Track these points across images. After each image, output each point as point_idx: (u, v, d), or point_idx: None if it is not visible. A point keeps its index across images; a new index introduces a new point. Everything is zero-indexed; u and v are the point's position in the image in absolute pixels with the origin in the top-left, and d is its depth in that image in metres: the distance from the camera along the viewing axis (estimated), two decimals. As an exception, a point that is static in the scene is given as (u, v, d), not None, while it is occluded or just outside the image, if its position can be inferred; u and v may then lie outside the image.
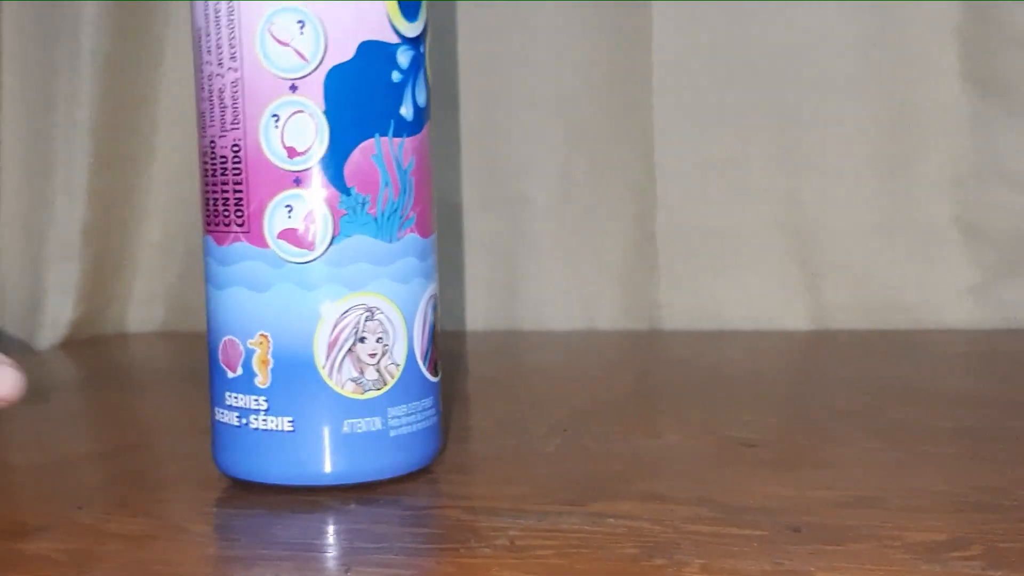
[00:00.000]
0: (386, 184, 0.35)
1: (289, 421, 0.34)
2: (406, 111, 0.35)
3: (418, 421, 0.36)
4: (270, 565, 0.30)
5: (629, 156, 0.73)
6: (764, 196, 0.71)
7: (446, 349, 0.71)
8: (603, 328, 0.74)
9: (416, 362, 0.36)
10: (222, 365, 0.35)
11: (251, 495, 0.35)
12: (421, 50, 0.35)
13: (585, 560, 0.29)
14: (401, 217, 0.35)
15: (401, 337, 0.35)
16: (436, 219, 0.37)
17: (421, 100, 0.35)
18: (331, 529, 0.33)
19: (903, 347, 0.64)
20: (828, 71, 0.69)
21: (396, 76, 0.35)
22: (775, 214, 0.71)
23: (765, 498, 0.34)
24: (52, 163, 0.74)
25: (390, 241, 0.35)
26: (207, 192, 0.35)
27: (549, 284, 0.75)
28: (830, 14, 0.69)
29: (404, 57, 0.35)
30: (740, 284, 0.72)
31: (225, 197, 0.34)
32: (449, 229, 0.76)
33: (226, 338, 0.34)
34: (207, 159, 0.34)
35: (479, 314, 0.76)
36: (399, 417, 0.36)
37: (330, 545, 0.31)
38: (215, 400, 0.36)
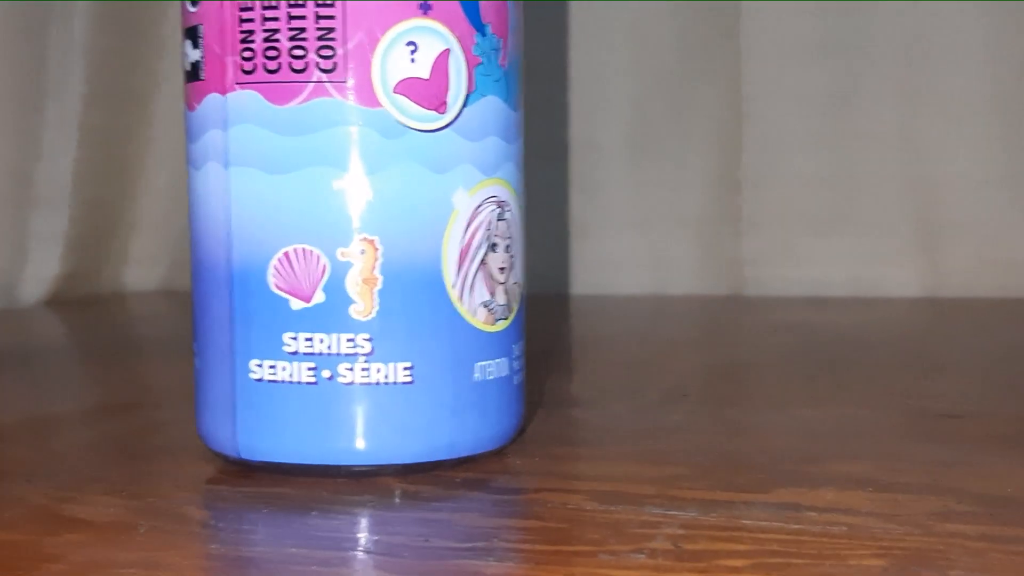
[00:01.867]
0: (514, 28, 0.24)
1: (406, 368, 0.23)
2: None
3: (524, 366, 0.26)
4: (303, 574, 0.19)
5: (711, 92, 0.64)
6: (872, 139, 0.62)
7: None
8: (675, 293, 0.64)
9: (524, 283, 0.25)
10: (277, 292, 0.23)
11: (275, 474, 0.24)
12: None
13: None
14: (520, 77, 0.25)
15: (521, 246, 0.25)
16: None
17: None
18: (388, 522, 0.22)
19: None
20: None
21: None
22: (884, 160, 0.61)
23: (1019, 486, 0.24)
24: (41, 93, 0.64)
25: (515, 109, 0.24)
26: (248, 22, 0.23)
27: (615, 242, 0.66)
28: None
29: None
30: (840, 242, 0.62)
31: (297, 28, 0.22)
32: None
33: (291, 248, 0.23)
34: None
35: (540, 275, 0.66)
36: (519, 358, 0.25)
37: (395, 544, 0.21)
38: (249, 348, 0.23)
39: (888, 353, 0.44)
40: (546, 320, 0.58)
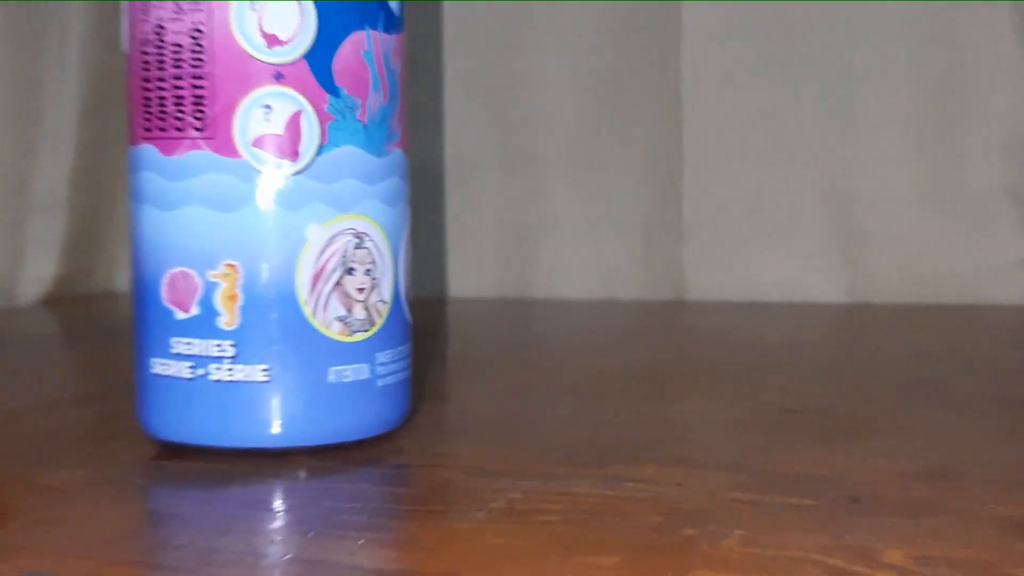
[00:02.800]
0: (376, 87, 0.29)
1: (263, 370, 0.28)
2: (394, 2, 0.30)
3: (402, 369, 0.31)
4: (217, 526, 0.24)
5: (653, 109, 0.68)
6: (802, 155, 0.65)
7: (453, 315, 0.67)
8: (622, 298, 0.69)
9: (401, 300, 0.30)
10: (167, 304, 0.28)
11: (198, 454, 0.29)
12: None
13: (599, 528, 0.24)
14: (389, 128, 0.30)
15: (388, 270, 0.30)
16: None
17: None
18: (294, 489, 0.27)
19: (951, 321, 0.58)
20: (875, 21, 0.64)
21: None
22: (813, 176, 0.65)
23: (814, 466, 0.29)
24: (40, 107, 0.69)
25: (379, 155, 0.29)
26: (146, 89, 0.28)
27: (565, 250, 0.70)
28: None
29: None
30: (773, 252, 0.66)
31: (178, 95, 0.27)
32: (458, 188, 0.70)
33: (175, 270, 0.28)
34: (149, 48, 0.28)
35: (489, 280, 0.71)
36: (386, 364, 0.30)
37: (294, 507, 0.26)
38: (150, 349, 0.29)
39: (776, 356, 0.49)
40: (489, 323, 0.63)
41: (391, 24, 0.29)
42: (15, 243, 0.70)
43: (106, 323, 0.67)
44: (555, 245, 0.70)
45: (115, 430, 0.33)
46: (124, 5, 0.29)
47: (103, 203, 0.74)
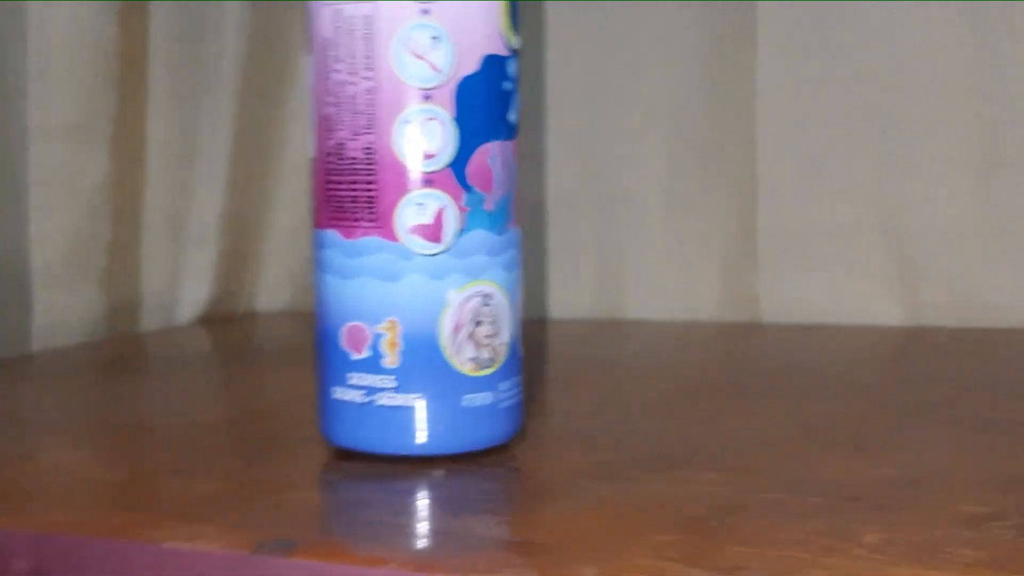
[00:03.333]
0: (498, 184, 0.39)
1: (417, 397, 0.38)
2: (512, 117, 0.39)
3: (516, 394, 0.40)
4: (390, 508, 0.34)
5: (732, 154, 0.76)
6: (863, 196, 0.73)
7: (553, 335, 0.76)
8: (703, 319, 0.77)
9: (516, 342, 0.40)
10: (344, 348, 0.38)
11: (366, 459, 0.39)
12: (518, 61, 0.39)
13: (662, 517, 0.33)
14: (507, 212, 0.39)
15: (507, 319, 0.39)
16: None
17: (518, 107, 0.39)
18: (439, 484, 0.37)
19: (993, 345, 0.66)
20: (931, 73, 0.71)
21: (507, 86, 0.39)
22: (874, 213, 0.73)
23: (828, 475, 0.37)
24: (195, 154, 0.80)
25: (500, 234, 0.39)
26: (330, 190, 0.38)
27: (652, 276, 0.78)
28: (934, 15, 0.71)
29: (512, 68, 0.39)
30: (837, 280, 0.74)
31: (354, 195, 0.37)
32: (559, 222, 0.80)
33: (352, 323, 0.38)
34: (333, 159, 0.38)
35: (583, 302, 0.80)
36: (504, 391, 0.40)
37: (441, 496, 0.36)
38: (332, 380, 0.39)
39: (817, 377, 0.57)
40: (582, 343, 0.72)
41: (509, 134, 0.39)
42: (174, 270, 0.80)
43: (255, 342, 0.78)
44: (643, 272, 0.79)
45: (295, 438, 0.43)
46: (310, 121, 0.39)
47: (248, 236, 0.84)
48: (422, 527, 0.33)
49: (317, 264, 0.39)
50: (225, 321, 0.81)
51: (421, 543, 0.32)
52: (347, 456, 0.39)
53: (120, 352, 0.70)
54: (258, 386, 0.59)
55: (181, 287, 0.80)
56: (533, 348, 0.64)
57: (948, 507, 0.34)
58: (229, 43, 0.79)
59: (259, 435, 0.45)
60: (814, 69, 0.73)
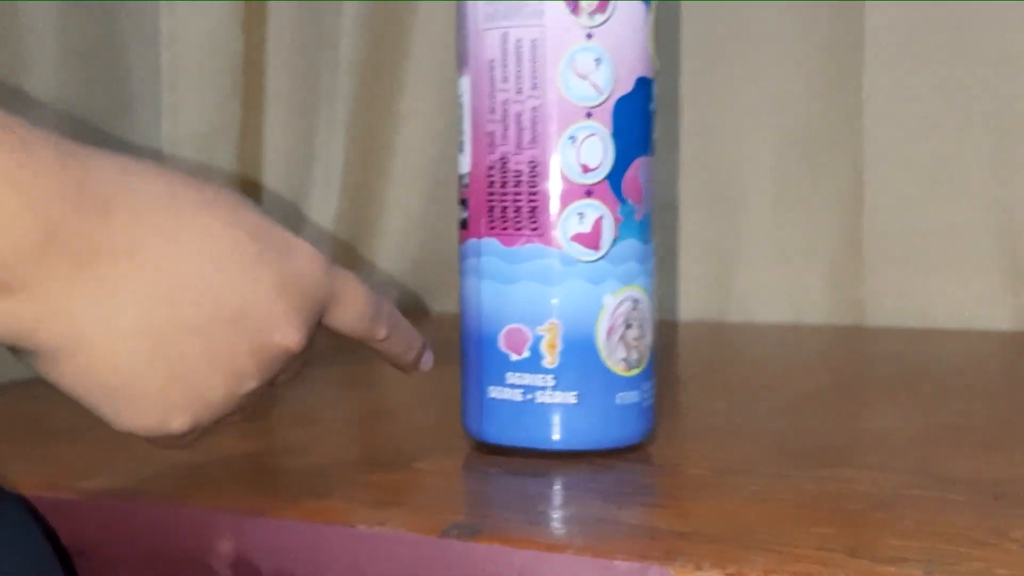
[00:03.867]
0: (645, 196, 0.41)
1: (575, 395, 0.40)
2: (655, 135, 0.41)
3: (654, 393, 0.42)
4: (554, 500, 0.37)
5: (840, 160, 0.77)
6: (972, 201, 0.74)
7: (667, 338, 0.78)
8: (809, 322, 0.79)
9: (655, 345, 0.42)
10: (503, 350, 0.40)
11: (514, 453, 0.41)
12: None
13: (819, 511, 0.35)
14: (651, 223, 0.41)
15: (650, 324, 0.42)
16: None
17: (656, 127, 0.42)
18: (602, 480, 0.39)
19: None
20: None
21: (652, 106, 0.41)
22: (983, 219, 0.74)
23: (969, 473, 0.39)
24: (311, 160, 0.83)
25: (646, 243, 0.41)
26: (492, 201, 0.40)
27: (760, 279, 0.80)
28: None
29: (655, 90, 0.41)
30: (945, 285, 0.75)
31: (518, 205, 0.40)
32: (669, 225, 0.82)
33: (511, 326, 0.40)
34: (495, 173, 0.40)
35: (692, 304, 0.82)
36: (647, 391, 0.42)
37: (604, 491, 0.38)
38: (488, 380, 0.41)
39: (937, 379, 0.59)
40: (699, 344, 0.74)
41: (653, 150, 0.41)
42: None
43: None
44: (750, 274, 0.80)
45: (440, 432, 0.45)
46: (466, 136, 0.41)
47: (359, 238, 0.87)
48: (590, 517, 0.35)
49: (470, 271, 0.42)
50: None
51: (593, 531, 0.34)
52: (493, 451, 0.42)
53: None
54: (388, 382, 0.61)
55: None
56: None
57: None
58: (345, 52, 0.82)
59: (405, 429, 0.48)
60: (922, 73, 0.75)
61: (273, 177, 0.82)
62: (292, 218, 0.83)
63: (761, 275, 0.80)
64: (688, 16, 0.80)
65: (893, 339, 0.73)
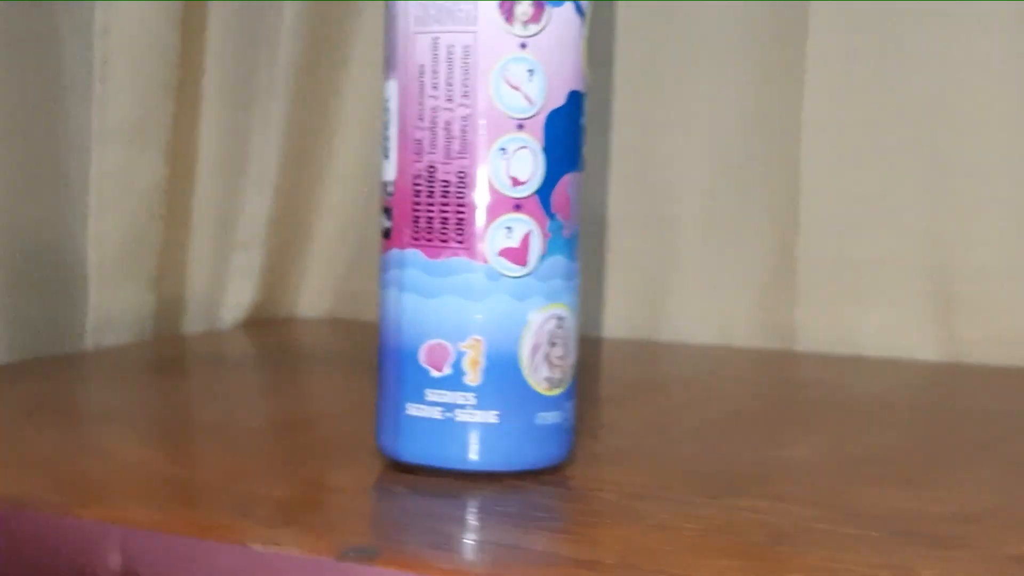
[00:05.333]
0: (573, 212, 0.40)
1: (495, 414, 0.39)
2: (584, 150, 0.41)
3: (573, 415, 0.42)
4: (463, 523, 0.36)
5: (776, 185, 0.77)
6: (905, 232, 0.74)
7: (591, 354, 0.77)
8: (738, 345, 0.78)
9: (576, 364, 0.41)
10: (424, 365, 0.39)
11: (430, 472, 0.40)
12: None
13: (722, 542, 0.34)
14: (578, 240, 0.41)
15: (574, 343, 0.41)
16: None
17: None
18: (513, 504, 0.38)
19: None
20: (979, 110, 0.72)
21: (583, 121, 0.41)
22: (915, 250, 0.74)
23: (879, 507, 0.39)
24: (245, 159, 0.81)
25: (572, 260, 0.40)
26: (417, 211, 0.39)
27: (689, 300, 0.79)
28: (984, 53, 0.72)
29: (585, 104, 0.41)
30: (875, 313, 0.75)
31: (444, 216, 0.39)
32: (598, 242, 0.81)
33: (433, 341, 0.39)
34: (421, 182, 0.39)
35: (618, 322, 0.81)
36: (568, 410, 0.41)
37: (514, 515, 0.37)
38: (406, 397, 0.40)
39: (856, 409, 0.58)
40: (622, 363, 0.73)
41: (582, 166, 0.41)
42: (220, 274, 0.82)
43: (300, 347, 0.79)
44: (680, 295, 0.80)
45: (351, 446, 0.44)
46: (392, 143, 0.40)
47: (292, 242, 0.86)
48: (494, 542, 0.34)
49: (391, 282, 0.40)
50: (267, 325, 0.83)
51: (495, 557, 0.33)
52: (407, 470, 0.40)
53: (171, 352, 0.71)
54: (308, 392, 0.60)
55: (226, 290, 0.82)
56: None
57: (1001, 546, 0.35)
58: (283, 51, 0.81)
59: (316, 442, 0.47)
60: (862, 102, 0.75)
61: (205, 175, 0.80)
62: (223, 219, 0.82)
63: (691, 296, 0.79)
64: (623, 31, 0.79)
65: (820, 365, 0.73)
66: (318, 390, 0.60)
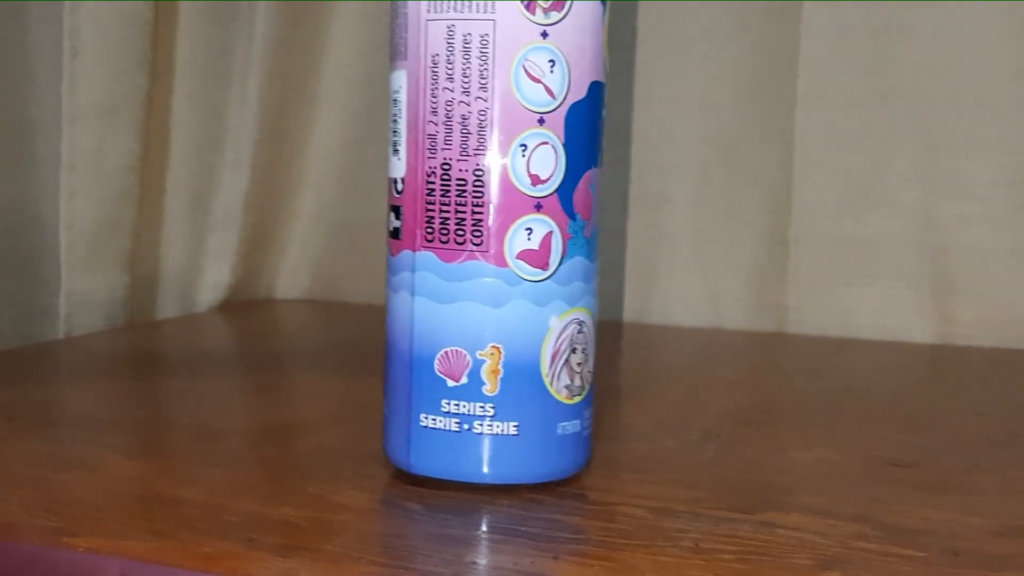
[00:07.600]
0: (594, 211, 0.38)
1: (515, 426, 0.37)
2: (603, 144, 0.39)
3: (591, 423, 0.40)
4: (483, 546, 0.33)
5: (769, 164, 0.76)
6: (900, 211, 0.73)
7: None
8: (730, 327, 0.77)
9: (594, 370, 0.39)
10: (440, 374, 0.37)
11: (443, 485, 0.38)
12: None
13: (766, 567, 0.32)
14: (598, 240, 0.39)
15: (593, 348, 0.39)
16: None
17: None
18: (534, 523, 0.36)
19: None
20: (974, 92, 0.71)
21: (603, 114, 0.38)
22: (909, 229, 0.73)
23: (921, 520, 0.37)
24: (221, 137, 0.79)
25: (593, 261, 0.38)
26: (430, 211, 0.37)
27: (682, 281, 0.78)
28: (979, 32, 0.71)
29: (605, 96, 0.38)
30: (869, 294, 0.74)
31: (460, 217, 0.36)
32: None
33: (449, 349, 0.37)
34: (434, 179, 0.37)
35: (610, 305, 0.79)
36: (587, 419, 0.39)
37: (536, 536, 0.35)
38: (420, 407, 0.37)
39: (866, 399, 0.57)
40: (622, 348, 0.71)
41: (600, 162, 0.38)
42: (196, 255, 0.79)
43: (279, 332, 0.77)
44: (671, 276, 0.78)
45: (354, 456, 0.42)
46: (402, 138, 0.38)
47: (269, 222, 0.83)
48: (522, 570, 0.32)
49: (401, 286, 0.38)
50: (244, 307, 0.80)
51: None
52: (418, 482, 0.38)
53: (150, 343, 0.69)
54: (299, 389, 0.57)
55: (202, 271, 0.79)
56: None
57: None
58: (260, 27, 0.78)
59: (317, 450, 0.44)
60: (856, 81, 0.73)
61: (179, 153, 0.77)
62: (198, 199, 0.79)
63: (683, 278, 0.78)
64: (613, 7, 0.77)
65: (815, 348, 0.71)
66: (308, 387, 0.57)
